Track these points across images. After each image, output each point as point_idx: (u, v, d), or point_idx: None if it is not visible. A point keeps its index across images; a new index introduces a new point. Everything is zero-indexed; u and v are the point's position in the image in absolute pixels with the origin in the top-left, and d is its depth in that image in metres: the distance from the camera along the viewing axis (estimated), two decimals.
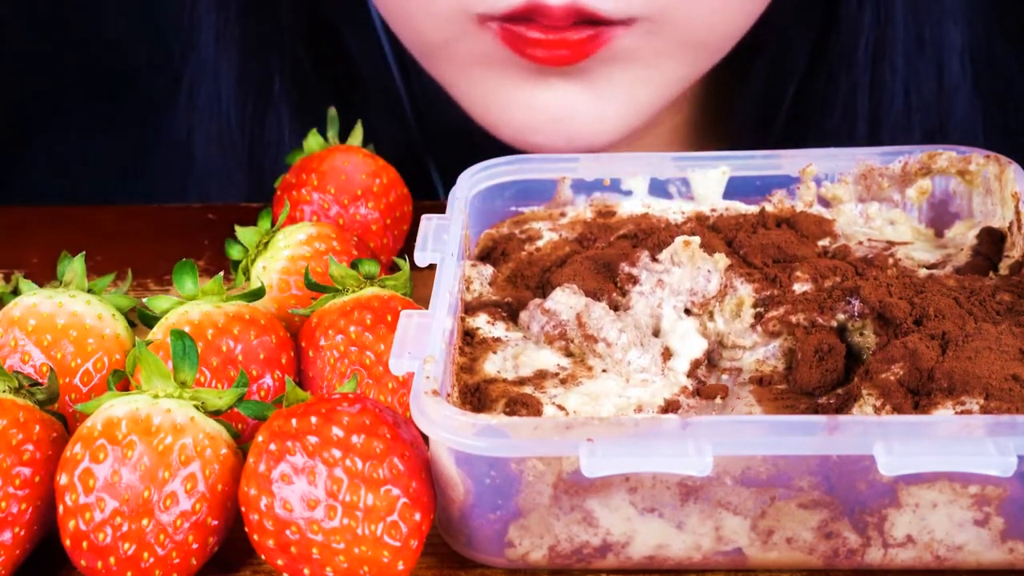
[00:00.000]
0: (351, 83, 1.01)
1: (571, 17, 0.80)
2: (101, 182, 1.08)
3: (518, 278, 0.76)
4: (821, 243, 0.76)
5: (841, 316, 0.70)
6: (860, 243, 0.77)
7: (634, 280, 0.72)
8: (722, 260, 0.72)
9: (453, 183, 0.79)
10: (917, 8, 0.94)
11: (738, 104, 1.00)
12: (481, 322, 0.72)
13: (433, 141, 0.99)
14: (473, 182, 0.79)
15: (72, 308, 0.70)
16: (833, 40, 0.95)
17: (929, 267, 0.75)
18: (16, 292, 0.74)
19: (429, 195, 1.02)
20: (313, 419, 0.60)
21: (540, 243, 0.78)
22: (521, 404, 0.65)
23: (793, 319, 0.70)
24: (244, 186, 1.00)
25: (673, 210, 0.79)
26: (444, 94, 0.91)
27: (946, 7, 0.95)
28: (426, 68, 0.90)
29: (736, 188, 0.80)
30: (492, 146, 0.89)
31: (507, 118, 0.86)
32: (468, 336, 0.71)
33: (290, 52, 0.99)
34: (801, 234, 0.76)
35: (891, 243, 0.77)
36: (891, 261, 0.74)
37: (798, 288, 0.71)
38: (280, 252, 0.76)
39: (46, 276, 0.75)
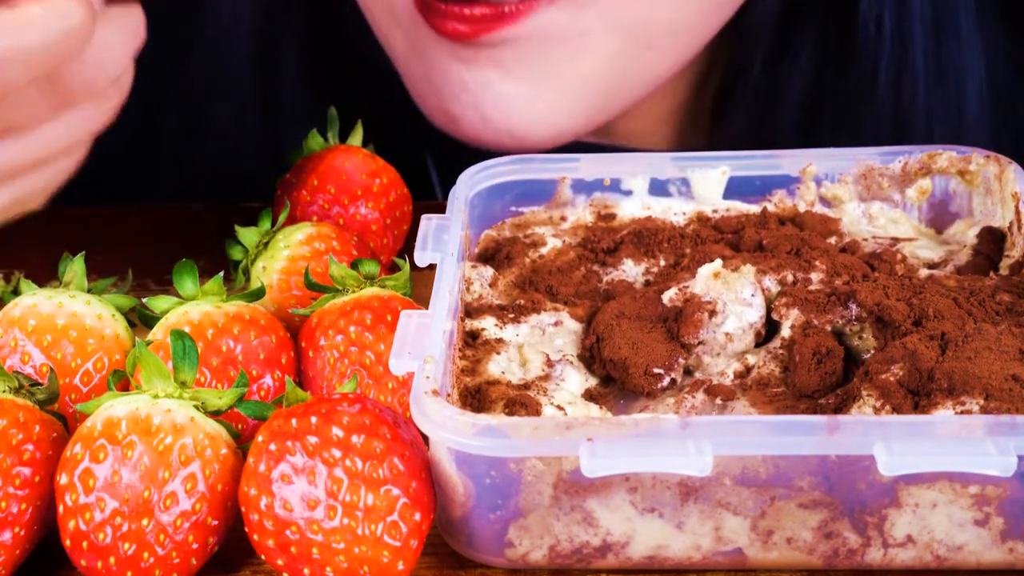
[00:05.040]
0: (356, 81, 1.01)
1: None
2: (103, 180, 1.08)
3: (526, 284, 0.76)
4: (829, 241, 0.76)
5: (839, 320, 0.70)
6: (865, 240, 0.77)
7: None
8: (750, 272, 0.71)
9: (453, 183, 0.79)
10: (937, 38, 0.93)
11: (737, 99, 0.99)
12: (488, 324, 0.72)
13: (433, 140, 0.99)
14: (473, 182, 0.79)
15: (72, 308, 0.70)
16: (851, 69, 0.94)
17: (933, 265, 0.75)
18: (16, 292, 0.74)
19: (429, 195, 1.02)
20: (313, 419, 0.60)
21: (544, 250, 0.78)
22: (520, 405, 0.65)
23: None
24: (255, 181, 1.00)
25: (674, 210, 0.79)
26: None
27: (963, 37, 0.94)
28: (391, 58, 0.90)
29: (736, 188, 0.80)
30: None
31: (436, 102, 0.86)
32: (471, 337, 0.71)
33: (300, 47, 0.99)
34: (811, 232, 0.76)
35: (896, 239, 0.77)
36: (899, 257, 0.74)
37: (815, 277, 0.71)
38: (280, 252, 0.76)
39: (46, 276, 0.75)
